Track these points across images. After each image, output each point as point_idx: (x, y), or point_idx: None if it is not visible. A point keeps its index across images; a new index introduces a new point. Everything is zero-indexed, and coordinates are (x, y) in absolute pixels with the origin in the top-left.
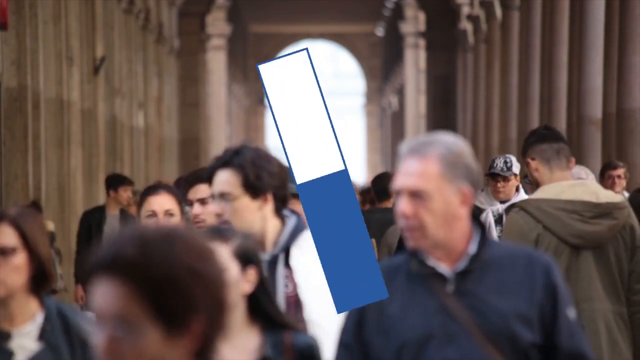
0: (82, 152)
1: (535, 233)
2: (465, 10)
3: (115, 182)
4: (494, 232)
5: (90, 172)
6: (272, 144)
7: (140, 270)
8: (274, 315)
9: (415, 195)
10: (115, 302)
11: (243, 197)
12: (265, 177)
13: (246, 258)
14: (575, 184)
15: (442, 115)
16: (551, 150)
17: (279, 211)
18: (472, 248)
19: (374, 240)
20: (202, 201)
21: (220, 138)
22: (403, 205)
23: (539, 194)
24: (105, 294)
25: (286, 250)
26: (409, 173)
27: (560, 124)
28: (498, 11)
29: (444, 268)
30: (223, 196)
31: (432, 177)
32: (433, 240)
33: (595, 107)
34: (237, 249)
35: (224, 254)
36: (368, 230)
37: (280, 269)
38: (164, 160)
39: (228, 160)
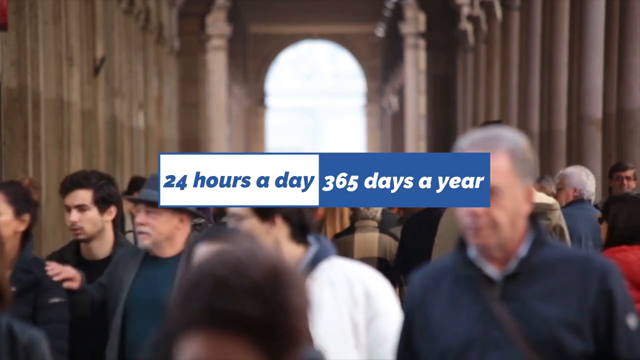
0: (82, 153)
1: None
2: (466, 10)
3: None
4: None
5: None
6: (272, 146)
7: (267, 328)
8: None
9: None
10: None
11: (251, 218)
12: None
13: None
14: None
15: (442, 116)
16: None
17: (298, 237)
18: (523, 250)
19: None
20: (80, 208)
21: (220, 138)
22: None
23: None
24: (215, 352)
25: None
26: None
27: (560, 124)
28: (498, 11)
29: (492, 270)
30: (233, 216)
31: (504, 172)
32: (502, 239)
33: (595, 108)
34: None
35: None
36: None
37: None
38: None
39: None
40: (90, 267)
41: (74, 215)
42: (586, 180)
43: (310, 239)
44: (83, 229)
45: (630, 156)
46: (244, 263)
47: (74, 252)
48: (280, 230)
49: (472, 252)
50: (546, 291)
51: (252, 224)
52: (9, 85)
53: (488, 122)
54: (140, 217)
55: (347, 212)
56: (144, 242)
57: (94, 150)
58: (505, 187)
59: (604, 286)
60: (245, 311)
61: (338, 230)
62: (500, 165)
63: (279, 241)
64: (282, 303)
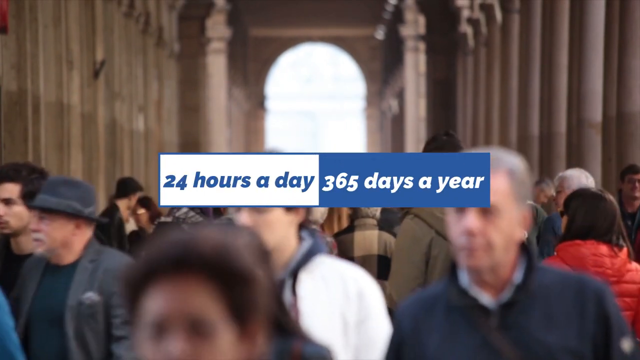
0: (82, 156)
1: (429, 238)
2: (465, 13)
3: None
4: None
5: (90, 176)
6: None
7: (223, 265)
8: (284, 322)
9: (486, 210)
10: (193, 302)
11: (277, 209)
12: None
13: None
14: None
15: (442, 119)
16: None
17: (298, 231)
18: (518, 277)
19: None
20: (7, 201)
21: (220, 141)
22: (471, 222)
23: None
24: (177, 294)
25: (295, 275)
26: None
27: (560, 127)
28: (498, 14)
29: (487, 299)
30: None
31: (502, 193)
32: (495, 262)
33: (595, 110)
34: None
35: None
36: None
37: (287, 295)
38: None
39: None
40: (19, 261)
41: (0, 209)
42: (585, 182)
43: (304, 234)
44: (8, 223)
45: (630, 159)
46: (196, 240)
47: (3, 245)
48: (296, 223)
49: (464, 280)
50: (545, 318)
51: (277, 214)
52: (9, 89)
53: (437, 135)
54: (34, 224)
55: (345, 213)
56: (38, 249)
57: (94, 153)
58: (503, 208)
59: (601, 310)
60: (198, 249)
61: (336, 230)
62: (499, 185)
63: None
64: (241, 251)
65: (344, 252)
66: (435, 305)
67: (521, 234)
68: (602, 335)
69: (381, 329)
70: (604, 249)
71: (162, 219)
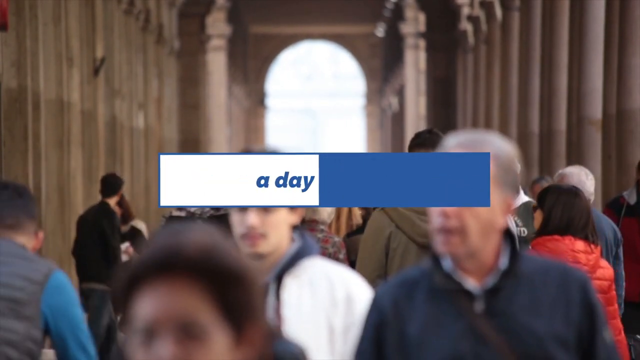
0: (82, 153)
1: (389, 231)
2: (466, 11)
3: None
4: None
5: (90, 173)
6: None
7: (207, 266)
8: None
9: None
10: (182, 304)
11: (282, 209)
12: None
13: None
14: None
15: (442, 116)
16: None
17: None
18: (503, 262)
19: None
20: None
21: (220, 139)
22: None
23: None
24: (165, 297)
25: (280, 279)
26: None
27: (560, 124)
28: (498, 12)
29: (471, 284)
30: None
31: None
32: (470, 249)
33: (595, 108)
34: None
35: None
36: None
37: (270, 300)
38: None
39: None
40: None
41: None
42: (585, 180)
43: (295, 235)
44: None
45: (630, 157)
46: (181, 242)
47: None
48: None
49: (447, 264)
50: (530, 304)
51: (283, 214)
52: (9, 86)
53: (421, 133)
54: None
55: (345, 213)
56: None
57: (94, 151)
58: None
59: (585, 298)
60: (185, 250)
61: (336, 232)
62: None
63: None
64: (229, 253)
65: (355, 252)
66: (416, 289)
67: (504, 220)
68: (587, 324)
69: (360, 309)
70: (580, 244)
71: (175, 213)
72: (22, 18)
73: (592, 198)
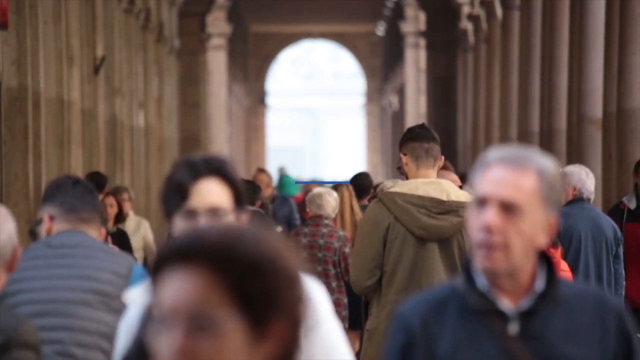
0: (83, 152)
1: (387, 222)
2: (466, 10)
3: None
4: None
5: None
6: (271, 145)
7: (227, 255)
8: None
9: (507, 208)
10: (195, 294)
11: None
12: None
13: None
14: (429, 182)
15: (442, 115)
16: (421, 149)
17: None
18: (539, 285)
19: None
20: None
21: (220, 138)
22: (491, 217)
23: (397, 188)
24: (181, 285)
25: None
26: (503, 182)
27: (560, 123)
28: (498, 11)
29: (506, 305)
30: (214, 210)
31: (528, 192)
32: (512, 266)
33: (595, 107)
34: None
35: None
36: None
37: None
38: (164, 160)
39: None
40: None
41: None
42: (585, 179)
43: None
44: None
45: (630, 156)
46: (203, 230)
47: None
48: None
49: (481, 282)
50: (566, 330)
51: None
52: (9, 85)
53: (412, 128)
54: None
55: (347, 208)
56: None
57: (94, 150)
58: (527, 208)
59: (622, 327)
60: (205, 239)
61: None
62: (526, 183)
63: None
64: (252, 244)
65: None
66: (446, 307)
67: (544, 240)
68: (623, 353)
69: (337, 331)
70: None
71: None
72: (23, 17)
73: (592, 197)
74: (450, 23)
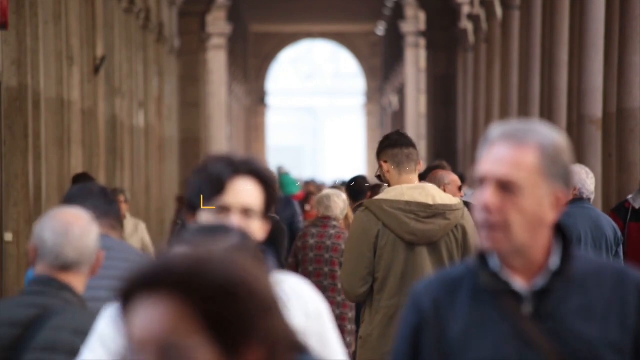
0: (83, 152)
1: (376, 230)
2: (466, 9)
3: None
4: None
5: (90, 172)
6: (272, 144)
7: (195, 281)
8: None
9: (505, 187)
10: (164, 324)
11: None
12: None
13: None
14: (414, 187)
15: (442, 115)
16: (402, 154)
17: None
18: (554, 262)
19: None
20: None
21: (220, 137)
22: (487, 196)
23: (383, 195)
24: (149, 316)
25: None
26: (500, 160)
27: (560, 123)
28: (498, 10)
29: (519, 284)
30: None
31: (528, 168)
32: (515, 245)
33: (595, 107)
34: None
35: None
36: None
37: None
38: (164, 159)
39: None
40: None
41: None
42: (586, 179)
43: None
44: None
45: (630, 155)
46: (168, 256)
47: None
48: None
49: (494, 263)
50: (582, 308)
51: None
52: (10, 85)
53: (390, 135)
54: None
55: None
56: None
57: (95, 150)
58: (527, 186)
59: None
60: (170, 266)
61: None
62: (525, 160)
63: None
64: (221, 268)
65: None
66: (459, 288)
67: (554, 215)
68: None
69: (331, 332)
70: None
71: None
72: (23, 16)
73: (592, 197)
74: (450, 23)
